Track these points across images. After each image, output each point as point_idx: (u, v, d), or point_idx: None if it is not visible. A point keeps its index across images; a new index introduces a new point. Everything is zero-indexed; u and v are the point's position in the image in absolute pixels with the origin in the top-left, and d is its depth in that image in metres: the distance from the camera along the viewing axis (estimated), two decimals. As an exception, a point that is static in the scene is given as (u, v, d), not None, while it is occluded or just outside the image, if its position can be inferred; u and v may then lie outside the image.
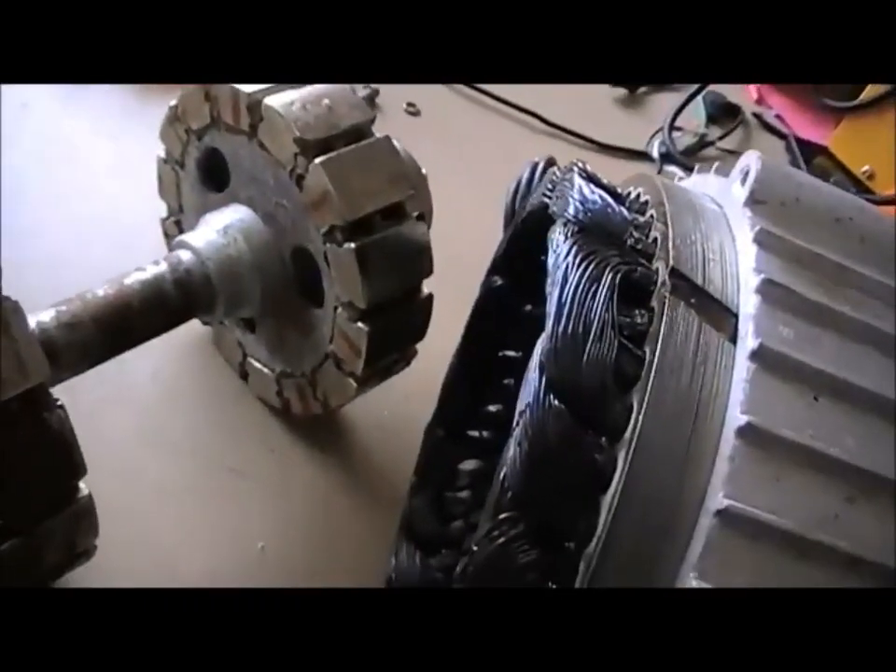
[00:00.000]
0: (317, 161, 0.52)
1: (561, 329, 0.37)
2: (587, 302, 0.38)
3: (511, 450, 0.37)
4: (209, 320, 0.61)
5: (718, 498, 0.34)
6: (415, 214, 0.55)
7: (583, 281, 0.39)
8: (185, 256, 0.56)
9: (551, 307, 0.38)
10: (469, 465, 0.58)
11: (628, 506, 0.35)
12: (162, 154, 0.63)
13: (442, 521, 0.57)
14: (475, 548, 0.38)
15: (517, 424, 0.37)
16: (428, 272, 0.56)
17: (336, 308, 0.55)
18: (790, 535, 0.35)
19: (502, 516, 0.37)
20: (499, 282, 0.56)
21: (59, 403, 0.42)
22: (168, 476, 0.60)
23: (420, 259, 0.55)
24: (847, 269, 0.41)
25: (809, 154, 1.02)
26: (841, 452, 0.36)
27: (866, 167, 0.96)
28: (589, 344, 0.37)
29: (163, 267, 0.55)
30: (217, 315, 0.58)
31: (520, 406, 0.37)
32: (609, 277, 0.39)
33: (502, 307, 0.56)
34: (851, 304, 0.40)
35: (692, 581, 0.34)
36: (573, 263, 0.39)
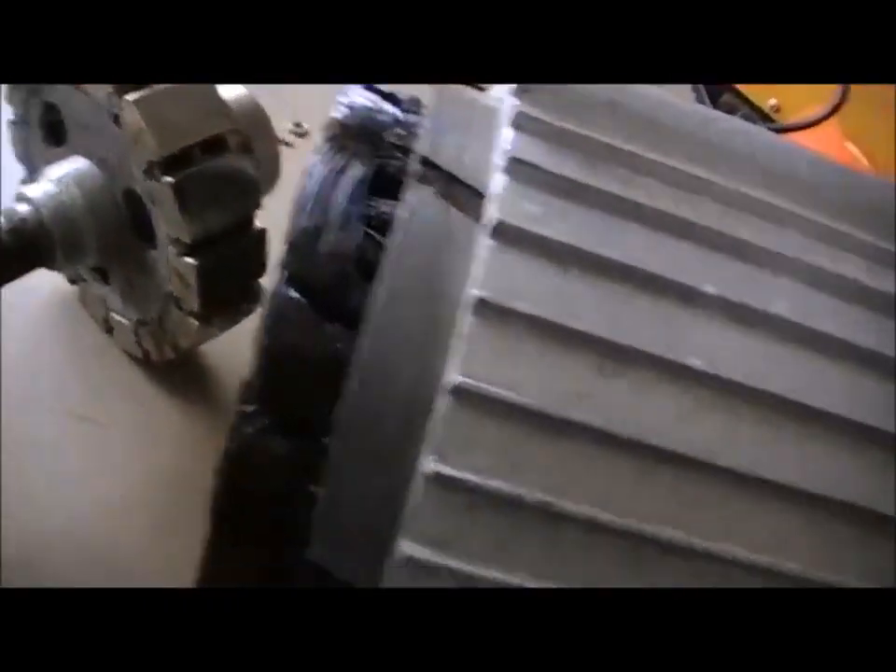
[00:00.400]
0: (129, 98, 0.52)
1: (302, 222, 0.37)
2: (332, 195, 0.38)
3: (254, 347, 0.37)
4: (54, 268, 0.61)
5: (453, 376, 0.34)
6: (242, 148, 0.55)
7: (328, 174, 0.38)
8: (21, 207, 0.56)
9: (295, 203, 0.38)
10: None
11: (369, 392, 0.35)
12: (12, 117, 0.64)
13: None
14: (228, 444, 0.37)
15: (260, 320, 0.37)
16: (256, 205, 0.55)
17: (168, 246, 0.55)
18: (533, 411, 0.34)
19: (247, 409, 0.37)
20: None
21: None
22: (35, 433, 0.60)
23: (246, 192, 0.55)
24: (617, 149, 0.40)
25: (716, 92, 1.00)
26: (589, 325, 0.35)
27: (773, 101, 0.95)
28: (330, 235, 0.37)
29: (-1, 219, 0.55)
30: (59, 263, 0.58)
31: (263, 303, 0.37)
32: (357, 169, 0.38)
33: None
34: (618, 182, 0.39)
35: (431, 463, 0.33)
36: (321, 159, 0.39)
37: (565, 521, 0.34)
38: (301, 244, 0.37)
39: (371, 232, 0.37)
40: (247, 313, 0.60)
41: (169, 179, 0.52)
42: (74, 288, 0.68)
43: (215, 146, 0.54)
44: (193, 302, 0.55)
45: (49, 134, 0.61)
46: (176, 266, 0.55)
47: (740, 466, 0.35)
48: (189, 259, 0.53)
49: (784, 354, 0.37)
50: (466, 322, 0.34)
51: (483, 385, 0.34)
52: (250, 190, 0.55)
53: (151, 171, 0.52)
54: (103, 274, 0.63)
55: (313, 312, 0.36)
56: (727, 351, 0.37)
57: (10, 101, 0.62)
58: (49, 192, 0.56)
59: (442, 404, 0.34)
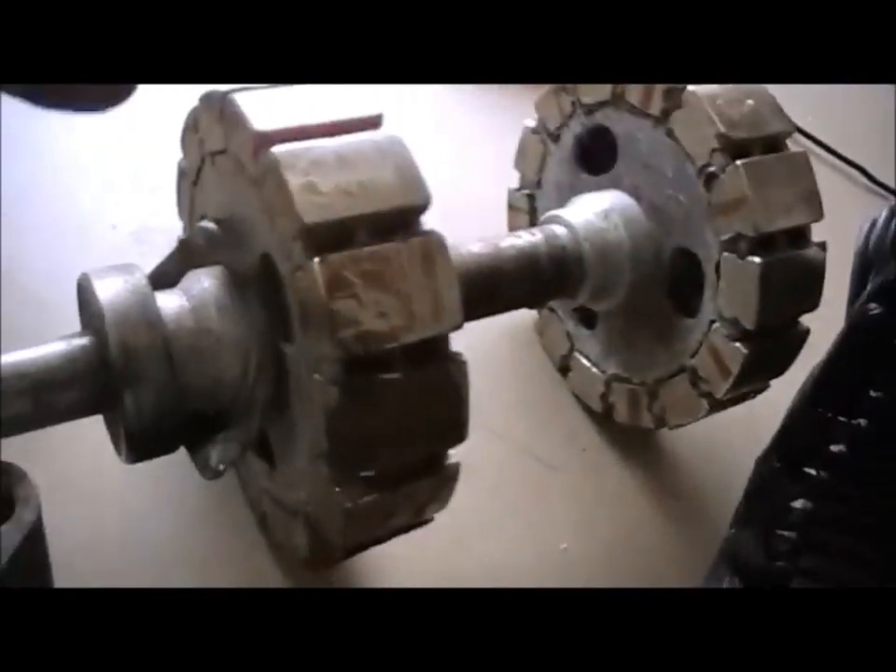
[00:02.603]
0: (739, 162, 0.48)
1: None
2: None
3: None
4: (564, 304, 0.57)
5: None
6: (818, 241, 0.50)
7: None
8: (560, 231, 0.53)
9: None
10: (801, 504, 0.54)
11: None
12: (533, 123, 0.61)
13: (768, 557, 0.53)
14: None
15: None
16: (816, 303, 0.51)
17: (712, 322, 0.51)
18: None
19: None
20: (877, 310, 0.51)
21: (463, 358, 0.39)
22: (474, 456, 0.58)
23: (817, 288, 0.50)
24: None
25: None
26: None
27: None
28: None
29: (539, 237, 0.52)
30: (578, 300, 0.55)
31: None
32: None
33: (874, 339, 0.52)
34: None
35: None
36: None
37: None
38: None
39: None
40: (746, 401, 0.55)
41: (756, 259, 0.48)
42: (530, 314, 0.64)
43: (800, 234, 0.49)
44: (720, 388, 0.51)
45: (582, 157, 0.58)
46: (719, 347, 0.50)
47: None
48: (739, 345, 0.49)
49: None
50: None
51: None
52: (816, 289, 0.51)
53: (736, 243, 0.48)
54: (588, 317, 0.60)
55: None
56: None
57: (542, 108, 0.59)
58: (592, 224, 0.53)
59: None
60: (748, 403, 0.56)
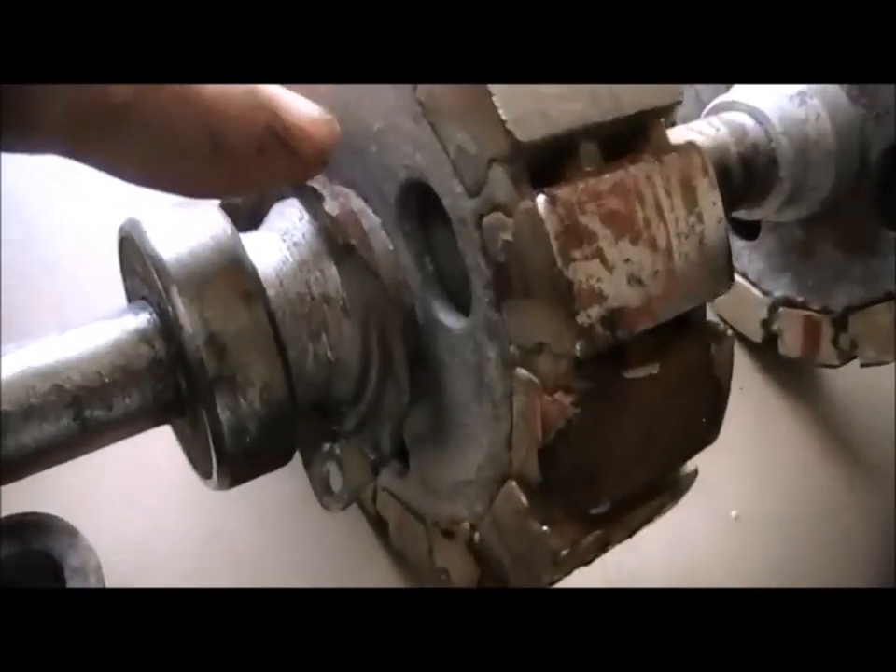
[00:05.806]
0: None
1: None
2: None
3: None
4: (741, 214, 0.45)
5: None
6: None
7: None
8: (748, 122, 0.40)
9: None
10: None
11: None
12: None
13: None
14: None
15: None
16: None
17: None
18: None
19: None
20: None
21: (726, 331, 0.27)
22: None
23: None
24: None
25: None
26: None
27: None
28: None
29: (723, 132, 0.39)
30: (764, 210, 0.42)
31: None
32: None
33: None
34: None
35: None
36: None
37: None
38: None
39: None
40: None
41: None
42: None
43: None
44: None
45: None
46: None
47: None
48: None
49: None
50: None
51: None
52: None
53: None
54: (749, 227, 0.47)
55: None
56: None
57: None
58: (787, 113, 0.40)
59: None
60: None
